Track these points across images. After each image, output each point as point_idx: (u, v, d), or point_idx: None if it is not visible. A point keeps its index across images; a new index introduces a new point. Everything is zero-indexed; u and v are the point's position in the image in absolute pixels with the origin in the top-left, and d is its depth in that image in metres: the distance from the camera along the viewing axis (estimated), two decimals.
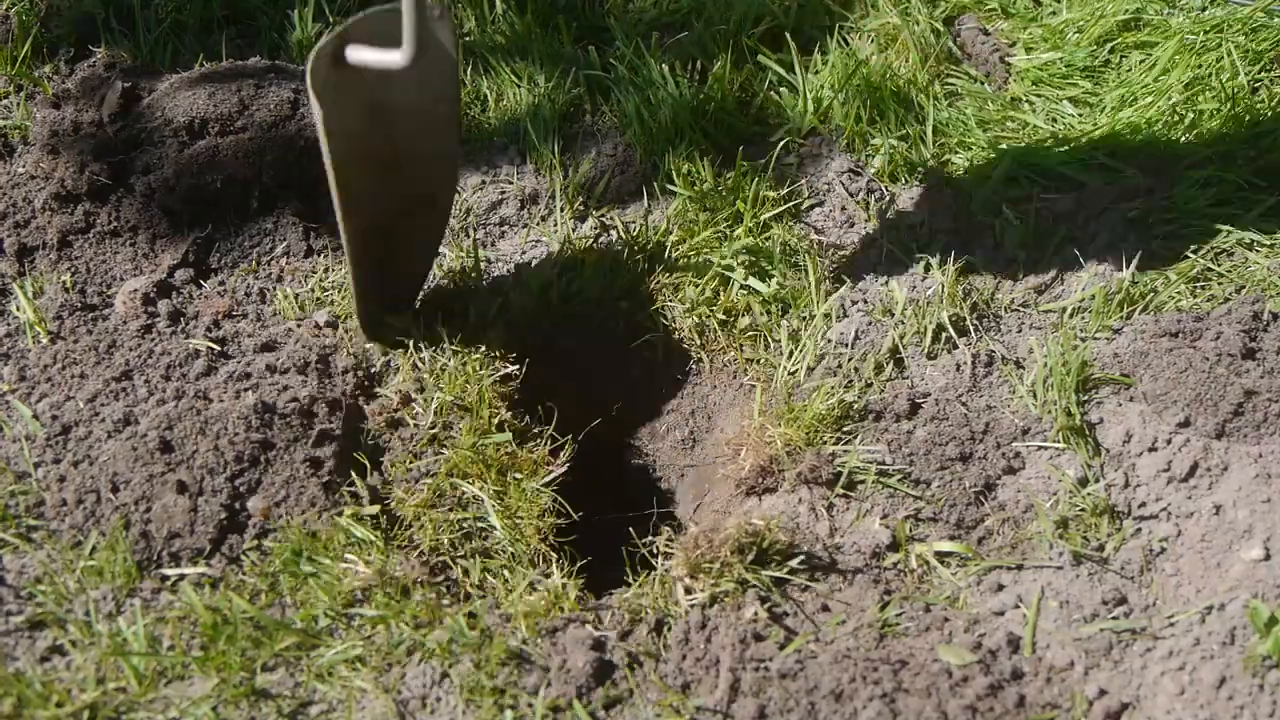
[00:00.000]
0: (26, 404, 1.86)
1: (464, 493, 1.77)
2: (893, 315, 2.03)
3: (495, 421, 1.88)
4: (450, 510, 1.75)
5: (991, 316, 2.05)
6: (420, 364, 1.95)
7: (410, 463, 1.82)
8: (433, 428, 1.86)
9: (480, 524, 1.75)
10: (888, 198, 2.24)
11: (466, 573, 1.69)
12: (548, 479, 1.81)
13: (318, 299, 2.09)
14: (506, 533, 1.73)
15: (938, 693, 1.48)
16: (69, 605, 1.63)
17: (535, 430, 1.93)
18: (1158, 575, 1.67)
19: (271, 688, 1.55)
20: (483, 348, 1.96)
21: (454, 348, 1.95)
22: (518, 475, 1.81)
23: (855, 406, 1.88)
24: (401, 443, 1.86)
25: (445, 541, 1.71)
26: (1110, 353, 1.93)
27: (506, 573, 1.69)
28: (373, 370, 1.96)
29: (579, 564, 1.75)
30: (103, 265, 2.13)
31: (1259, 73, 2.44)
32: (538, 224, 2.24)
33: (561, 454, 1.87)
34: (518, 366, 1.98)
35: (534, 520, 1.76)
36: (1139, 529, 1.72)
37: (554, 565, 1.71)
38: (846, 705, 1.47)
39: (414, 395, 1.91)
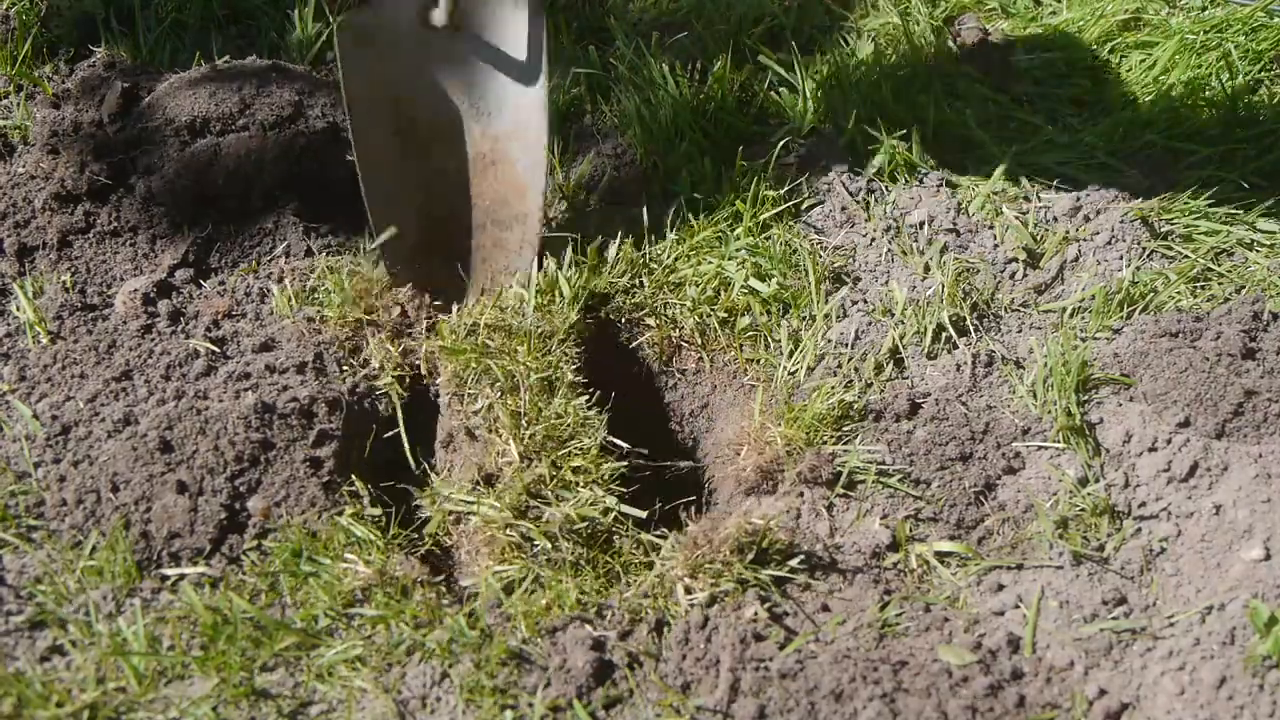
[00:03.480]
0: (26, 404, 1.86)
1: None
2: (893, 315, 2.03)
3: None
4: None
5: (991, 316, 2.05)
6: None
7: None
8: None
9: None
10: (888, 198, 2.24)
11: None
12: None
13: (317, 299, 2.08)
14: None
15: (938, 693, 1.48)
16: (69, 605, 1.63)
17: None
18: (1158, 575, 1.67)
19: (271, 688, 1.54)
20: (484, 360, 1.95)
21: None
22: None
23: (855, 406, 1.88)
24: None
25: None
26: (1110, 353, 1.93)
27: None
28: (373, 371, 1.96)
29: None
30: (103, 265, 2.13)
31: (1259, 73, 2.45)
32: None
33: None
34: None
35: None
36: (1139, 529, 1.71)
37: None
38: (846, 705, 1.47)
39: None
